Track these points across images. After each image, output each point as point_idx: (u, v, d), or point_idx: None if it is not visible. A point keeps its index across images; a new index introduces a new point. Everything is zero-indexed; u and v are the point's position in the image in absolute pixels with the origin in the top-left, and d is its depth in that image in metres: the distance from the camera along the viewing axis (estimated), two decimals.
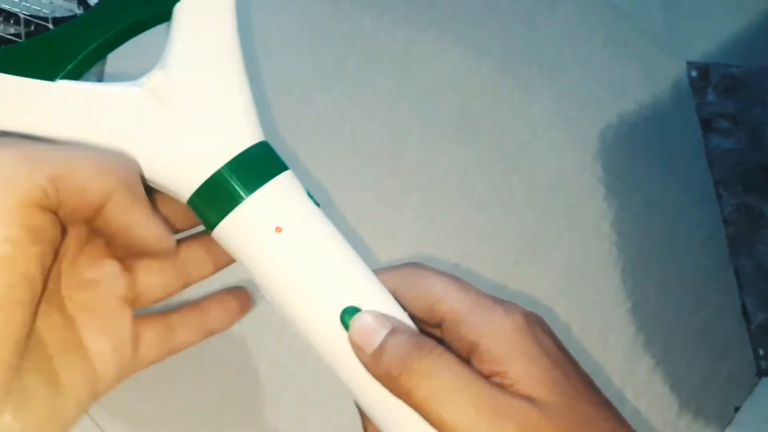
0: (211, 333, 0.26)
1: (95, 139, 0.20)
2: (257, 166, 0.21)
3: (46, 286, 0.19)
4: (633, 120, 0.58)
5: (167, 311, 0.25)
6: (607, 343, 0.48)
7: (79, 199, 0.17)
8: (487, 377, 0.20)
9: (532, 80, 0.57)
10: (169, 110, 0.21)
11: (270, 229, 0.20)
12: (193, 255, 0.25)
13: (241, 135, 0.21)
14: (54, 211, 0.17)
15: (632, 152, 0.57)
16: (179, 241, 0.25)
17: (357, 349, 0.20)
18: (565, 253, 0.50)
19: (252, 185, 0.21)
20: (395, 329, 0.20)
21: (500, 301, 0.21)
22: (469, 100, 0.54)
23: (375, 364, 0.20)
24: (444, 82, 0.54)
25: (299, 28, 0.52)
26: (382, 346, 0.20)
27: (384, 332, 0.20)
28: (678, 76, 0.62)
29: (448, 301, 0.21)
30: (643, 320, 0.49)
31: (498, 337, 0.20)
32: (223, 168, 0.21)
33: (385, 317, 0.21)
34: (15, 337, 0.16)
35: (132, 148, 0.21)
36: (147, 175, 0.21)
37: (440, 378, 0.19)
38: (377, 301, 0.21)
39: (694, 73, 0.62)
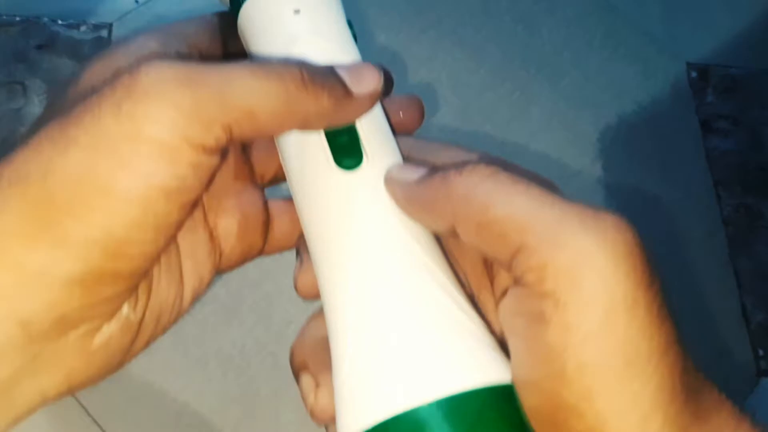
0: None
1: None
2: None
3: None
4: (632, 121, 0.58)
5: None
6: None
7: (253, 135, 0.16)
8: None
9: (532, 81, 0.57)
10: None
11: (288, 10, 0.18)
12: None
13: None
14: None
15: (632, 153, 0.57)
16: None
17: (393, 183, 0.16)
18: None
19: None
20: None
21: (583, 209, 0.14)
22: (469, 100, 0.54)
23: (426, 178, 0.15)
24: (444, 82, 0.54)
25: None
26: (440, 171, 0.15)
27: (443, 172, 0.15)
28: (677, 77, 0.62)
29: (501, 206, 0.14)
30: None
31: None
32: None
33: None
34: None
35: None
36: None
37: (513, 188, 0.14)
38: (385, 150, 0.17)
39: (693, 74, 0.62)
